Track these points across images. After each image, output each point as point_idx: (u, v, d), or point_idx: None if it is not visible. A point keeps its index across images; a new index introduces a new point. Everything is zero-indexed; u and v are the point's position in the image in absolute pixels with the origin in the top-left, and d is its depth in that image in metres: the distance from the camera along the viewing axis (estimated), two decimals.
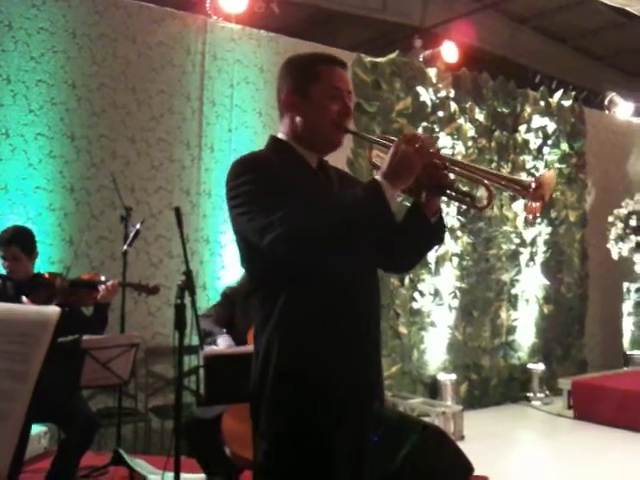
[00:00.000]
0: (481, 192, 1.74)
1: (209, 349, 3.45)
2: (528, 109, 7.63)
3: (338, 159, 5.40)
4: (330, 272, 1.72)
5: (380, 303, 1.93)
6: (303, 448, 1.69)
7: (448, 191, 1.77)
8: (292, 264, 1.68)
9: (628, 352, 8.18)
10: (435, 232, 1.88)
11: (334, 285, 1.73)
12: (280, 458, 1.72)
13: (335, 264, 1.70)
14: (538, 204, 1.64)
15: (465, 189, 1.79)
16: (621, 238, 7.55)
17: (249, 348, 2.18)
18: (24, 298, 3.52)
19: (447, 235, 6.77)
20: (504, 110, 7.42)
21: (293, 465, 1.69)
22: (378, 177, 1.64)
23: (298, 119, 1.83)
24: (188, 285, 2.94)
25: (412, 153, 1.64)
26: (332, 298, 1.73)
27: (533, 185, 1.61)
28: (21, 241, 3.62)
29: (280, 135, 1.88)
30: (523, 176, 7.50)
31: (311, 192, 1.73)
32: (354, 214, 1.62)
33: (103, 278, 3.77)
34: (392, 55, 6.59)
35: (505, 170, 7.32)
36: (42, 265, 4.23)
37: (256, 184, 1.70)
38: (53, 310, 1.31)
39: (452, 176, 1.75)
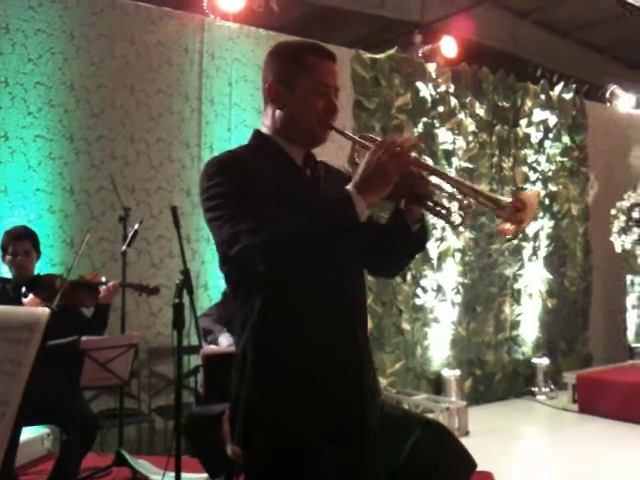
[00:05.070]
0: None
1: (208, 348, 3.45)
2: (529, 103, 7.61)
3: (339, 157, 5.43)
4: (310, 274, 1.59)
5: (366, 304, 1.82)
6: (277, 468, 1.58)
7: (425, 202, 1.67)
8: (262, 275, 1.56)
9: (632, 345, 8.13)
10: (416, 240, 1.78)
11: (315, 287, 1.61)
12: (257, 475, 1.63)
13: (314, 268, 1.58)
14: (513, 227, 1.54)
15: (443, 202, 1.68)
16: (624, 231, 7.52)
17: None
18: (24, 300, 3.52)
19: (449, 230, 6.76)
20: (505, 104, 7.40)
21: None
22: (350, 187, 1.54)
23: (282, 111, 1.71)
24: (186, 284, 2.94)
25: (388, 162, 1.52)
26: (313, 301, 1.61)
27: (510, 206, 1.53)
28: (33, 237, 3.73)
29: (263, 129, 1.76)
30: (524, 169, 7.50)
31: (293, 191, 1.62)
32: (321, 228, 1.52)
33: (104, 279, 3.80)
34: (391, 51, 6.56)
35: (507, 164, 7.31)
36: (43, 267, 4.24)
37: (228, 187, 1.59)
38: (43, 311, 1.30)
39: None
